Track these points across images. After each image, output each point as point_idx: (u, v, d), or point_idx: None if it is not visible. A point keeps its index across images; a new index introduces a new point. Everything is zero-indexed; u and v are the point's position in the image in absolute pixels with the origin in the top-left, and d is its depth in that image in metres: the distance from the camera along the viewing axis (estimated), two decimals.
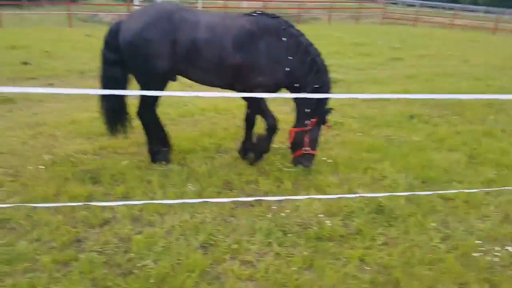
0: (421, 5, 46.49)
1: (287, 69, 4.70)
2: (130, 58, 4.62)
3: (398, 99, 8.45)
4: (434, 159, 5.56)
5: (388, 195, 4.36)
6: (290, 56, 4.68)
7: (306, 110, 4.87)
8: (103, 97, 4.85)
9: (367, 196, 4.35)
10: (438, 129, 6.86)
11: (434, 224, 4.04)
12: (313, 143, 4.99)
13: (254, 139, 5.20)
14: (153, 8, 4.73)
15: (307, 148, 4.93)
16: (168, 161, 5.13)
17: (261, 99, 4.81)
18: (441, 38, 22.40)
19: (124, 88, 4.80)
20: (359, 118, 7.33)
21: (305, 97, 4.65)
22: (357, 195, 4.34)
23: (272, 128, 4.90)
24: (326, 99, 4.87)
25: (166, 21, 4.52)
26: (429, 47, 17.94)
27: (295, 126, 4.99)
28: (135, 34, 4.50)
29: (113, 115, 4.96)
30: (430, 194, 4.50)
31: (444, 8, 47.16)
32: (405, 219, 4.10)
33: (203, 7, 27.68)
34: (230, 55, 4.59)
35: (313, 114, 4.87)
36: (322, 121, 4.94)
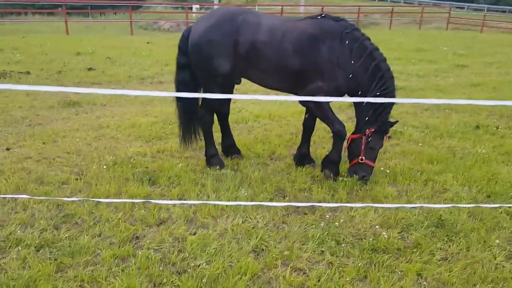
0: (488, 10, 44.19)
1: (349, 75, 4.54)
2: (196, 59, 4.80)
3: (463, 109, 8.05)
4: (500, 172, 5.22)
5: (449, 207, 4.15)
6: (352, 61, 4.51)
7: (366, 117, 4.64)
8: (177, 100, 5.05)
9: (426, 209, 4.17)
10: (505, 141, 6.44)
11: (498, 241, 3.79)
12: (370, 153, 4.71)
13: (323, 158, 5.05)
14: (219, 11, 4.94)
15: (362, 158, 4.70)
16: (222, 166, 5.21)
17: (325, 104, 4.69)
18: (510, 44, 21.13)
19: (193, 91, 4.93)
20: (420, 127, 7.05)
21: (365, 104, 4.52)
22: (417, 205, 4.15)
23: (338, 134, 4.74)
24: (388, 107, 4.60)
25: (229, 22, 4.66)
26: (497, 54, 16.99)
27: (353, 133, 4.82)
28: (200, 36, 4.70)
29: (186, 118, 5.09)
30: (495, 210, 4.23)
31: None
32: (467, 234, 3.88)
33: None
34: (289, 58, 4.59)
35: (373, 122, 4.63)
36: (382, 131, 4.66)
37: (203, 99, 5.03)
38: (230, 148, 5.57)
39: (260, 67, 4.74)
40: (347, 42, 4.52)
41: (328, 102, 4.72)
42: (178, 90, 4.99)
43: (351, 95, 4.73)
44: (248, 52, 4.65)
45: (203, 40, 4.69)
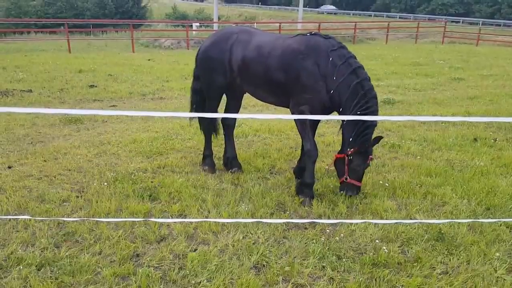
0: (484, 23, 44.76)
1: (331, 91, 4.52)
2: (200, 72, 5.45)
3: (461, 121, 8.10)
4: (499, 185, 5.24)
5: (448, 222, 4.16)
6: (335, 77, 4.50)
7: (350, 138, 4.57)
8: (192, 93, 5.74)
9: (426, 222, 4.18)
10: (503, 153, 6.48)
11: (498, 254, 3.80)
12: (354, 173, 4.65)
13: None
14: (220, 31, 5.44)
15: (347, 177, 4.67)
16: (211, 170, 5.62)
17: (304, 122, 4.73)
18: (506, 57, 21.32)
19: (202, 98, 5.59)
20: (418, 140, 7.10)
21: (348, 123, 4.52)
22: (416, 221, 4.17)
23: (309, 155, 4.74)
24: (369, 127, 4.50)
25: (225, 41, 5.10)
26: (493, 67, 17.14)
27: (339, 152, 4.79)
28: (203, 52, 5.32)
29: (197, 108, 5.68)
30: (495, 222, 4.24)
31: (508, 26, 45.08)
32: (467, 247, 3.89)
33: None
34: (275, 72, 4.76)
35: (355, 142, 4.55)
36: (364, 152, 4.56)
37: (208, 106, 5.51)
38: (231, 161, 5.65)
39: (252, 82, 5.03)
40: (331, 58, 4.54)
41: (309, 120, 4.74)
42: (191, 95, 5.72)
43: (338, 112, 4.69)
44: (239, 68, 5.00)
45: (205, 56, 5.28)
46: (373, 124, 4.53)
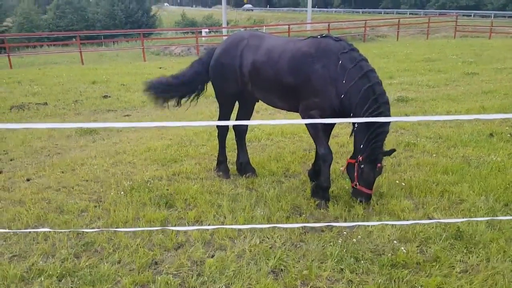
0: (496, 16, 44.14)
1: (342, 95, 4.43)
2: (213, 80, 5.43)
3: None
4: None
5: (466, 220, 4.11)
6: (345, 81, 4.40)
7: (361, 145, 4.44)
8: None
9: (443, 222, 4.13)
10: None
11: None
12: (364, 181, 4.51)
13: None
14: (231, 37, 5.41)
15: (356, 183, 4.56)
16: (225, 175, 5.65)
17: (316, 127, 4.69)
18: None
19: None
20: (433, 138, 7.02)
21: (359, 130, 4.44)
22: (433, 221, 4.12)
23: (323, 159, 4.69)
24: (380, 135, 4.36)
25: (236, 47, 5.09)
26: (507, 60, 16.86)
27: (351, 157, 4.69)
28: (215, 60, 5.30)
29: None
30: None
31: None
32: (486, 245, 3.84)
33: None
34: (285, 76, 4.72)
35: (365, 149, 4.41)
36: (373, 159, 4.41)
37: (219, 112, 5.57)
38: (245, 166, 5.66)
39: (263, 87, 5.00)
40: (341, 61, 4.45)
41: (322, 125, 4.67)
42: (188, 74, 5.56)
43: (346, 117, 4.55)
44: (250, 73, 4.98)
45: (217, 63, 5.26)
46: (384, 131, 4.38)
